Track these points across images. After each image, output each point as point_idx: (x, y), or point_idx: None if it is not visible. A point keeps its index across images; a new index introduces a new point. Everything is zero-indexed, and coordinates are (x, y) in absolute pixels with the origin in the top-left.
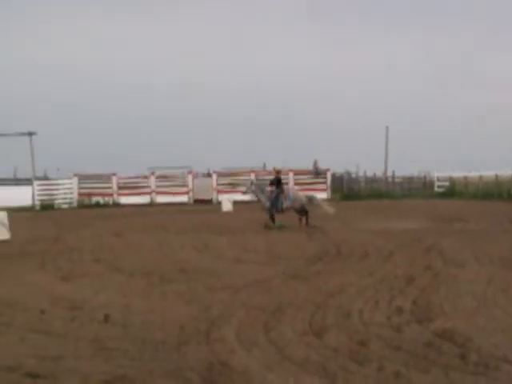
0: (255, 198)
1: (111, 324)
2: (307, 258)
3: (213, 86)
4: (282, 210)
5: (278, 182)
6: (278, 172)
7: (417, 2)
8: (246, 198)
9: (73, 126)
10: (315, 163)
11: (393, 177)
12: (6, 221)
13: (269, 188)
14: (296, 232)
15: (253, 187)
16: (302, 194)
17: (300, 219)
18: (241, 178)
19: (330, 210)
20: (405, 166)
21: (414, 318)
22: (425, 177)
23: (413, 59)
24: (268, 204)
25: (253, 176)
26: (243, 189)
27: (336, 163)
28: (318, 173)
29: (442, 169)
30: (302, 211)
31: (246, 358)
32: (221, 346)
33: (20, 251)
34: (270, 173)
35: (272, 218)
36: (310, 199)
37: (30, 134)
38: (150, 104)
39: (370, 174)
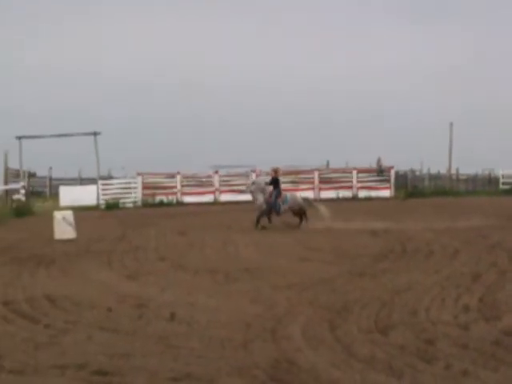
0: (252, 199)
1: (177, 322)
2: (373, 256)
3: (272, 86)
4: (279, 213)
5: (275, 183)
6: (275, 172)
7: None
8: (310, 195)
9: (137, 126)
10: (379, 161)
11: (457, 174)
12: (72, 220)
13: (269, 189)
14: (359, 230)
15: (253, 187)
16: (299, 196)
17: (300, 220)
18: (304, 176)
19: (325, 212)
20: (469, 162)
21: (481, 316)
22: (489, 174)
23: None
24: (265, 206)
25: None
26: (243, 187)
27: (400, 161)
28: (381, 170)
29: (507, 166)
30: (301, 212)
31: (313, 355)
32: (287, 343)
33: (86, 250)
34: (334, 171)
35: (258, 220)
36: (305, 200)
37: (95, 133)
38: (213, 103)
39: (433, 171)
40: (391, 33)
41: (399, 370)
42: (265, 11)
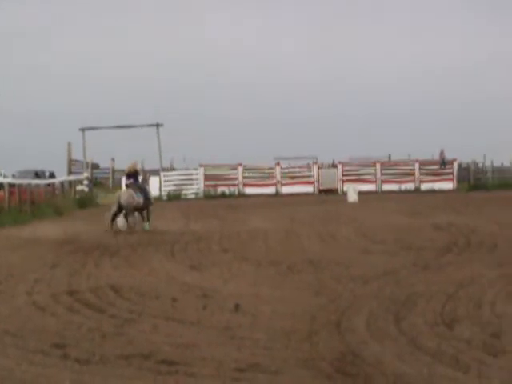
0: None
1: (242, 313)
2: (437, 249)
3: (332, 79)
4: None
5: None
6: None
7: None
8: (372, 188)
9: (199, 117)
10: (441, 153)
11: None
12: None
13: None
14: (423, 223)
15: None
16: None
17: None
18: (366, 168)
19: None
20: None
21: None
22: None
23: None
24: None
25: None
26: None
27: (463, 153)
28: (444, 163)
29: None
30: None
31: (378, 348)
32: (352, 336)
33: (149, 240)
34: (396, 163)
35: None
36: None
37: (158, 125)
38: (275, 95)
39: (497, 163)
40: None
41: (466, 363)
42: None
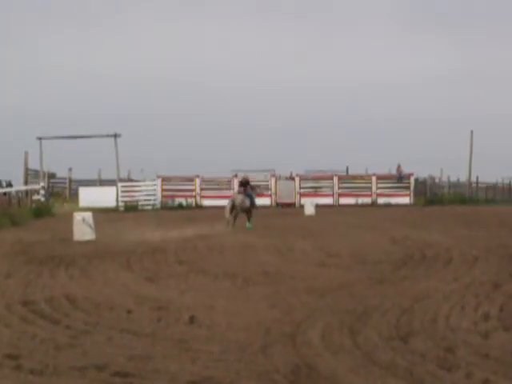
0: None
1: (197, 325)
2: (392, 263)
3: (290, 92)
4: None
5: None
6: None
7: None
8: (330, 201)
9: (157, 128)
10: (398, 167)
11: (476, 182)
12: (91, 221)
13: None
14: (379, 236)
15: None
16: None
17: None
18: (323, 181)
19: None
20: (490, 171)
21: (501, 325)
22: (510, 183)
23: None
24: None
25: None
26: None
27: (419, 167)
28: (401, 177)
29: None
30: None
31: (333, 361)
32: (307, 349)
33: (105, 251)
34: (354, 177)
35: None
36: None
37: (115, 135)
38: (234, 107)
39: (453, 178)
40: (416, 39)
41: (420, 377)
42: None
